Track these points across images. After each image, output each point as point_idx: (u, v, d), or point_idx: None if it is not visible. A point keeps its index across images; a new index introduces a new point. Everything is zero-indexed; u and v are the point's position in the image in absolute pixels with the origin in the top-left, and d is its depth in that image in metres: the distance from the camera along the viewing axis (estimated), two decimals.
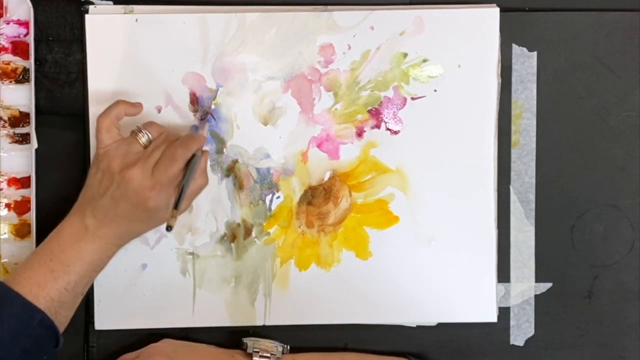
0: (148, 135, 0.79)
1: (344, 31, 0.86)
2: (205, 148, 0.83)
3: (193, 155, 0.80)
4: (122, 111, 0.81)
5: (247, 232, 0.87)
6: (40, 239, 0.83)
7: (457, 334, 0.89)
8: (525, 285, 0.89)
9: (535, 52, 0.88)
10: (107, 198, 0.77)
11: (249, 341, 0.85)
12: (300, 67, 0.86)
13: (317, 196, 0.87)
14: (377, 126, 0.87)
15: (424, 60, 0.86)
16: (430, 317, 0.88)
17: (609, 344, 0.89)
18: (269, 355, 0.84)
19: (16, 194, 0.86)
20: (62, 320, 0.78)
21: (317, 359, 0.86)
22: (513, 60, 0.88)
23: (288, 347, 0.86)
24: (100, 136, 0.80)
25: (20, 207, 0.86)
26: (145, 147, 0.79)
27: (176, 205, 0.78)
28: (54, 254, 0.77)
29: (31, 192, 0.85)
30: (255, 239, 0.87)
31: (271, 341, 0.85)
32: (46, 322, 0.75)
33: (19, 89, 0.86)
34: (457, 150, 0.87)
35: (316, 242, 0.87)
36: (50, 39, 0.86)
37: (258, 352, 0.84)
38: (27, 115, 0.86)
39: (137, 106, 0.83)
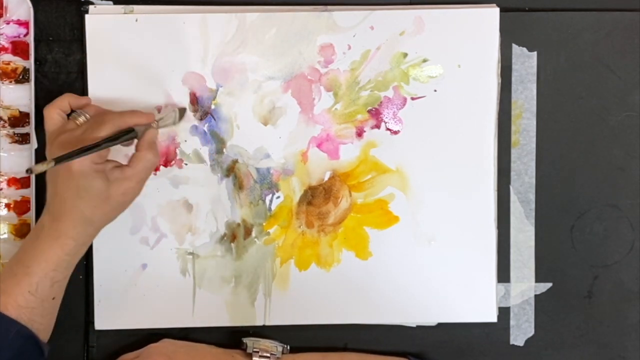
0: (86, 116, 0.78)
1: (344, 31, 0.86)
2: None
3: (131, 130, 0.77)
4: (67, 102, 0.80)
5: (247, 232, 0.87)
6: None
7: (457, 334, 0.89)
8: (525, 285, 0.89)
9: (535, 52, 0.88)
10: (50, 184, 0.76)
11: (249, 341, 0.85)
12: (300, 67, 0.86)
13: (317, 196, 0.87)
14: (377, 126, 0.87)
15: (424, 60, 0.86)
16: (430, 317, 0.88)
17: (609, 344, 0.89)
18: (269, 355, 0.84)
19: (16, 194, 0.86)
20: (39, 327, 0.76)
21: (317, 358, 0.86)
22: (513, 60, 0.88)
23: (288, 347, 0.86)
24: (46, 126, 0.79)
25: (20, 207, 0.86)
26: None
27: (60, 158, 0.71)
28: (18, 257, 0.76)
29: (31, 192, 0.85)
30: (255, 239, 0.87)
31: (271, 341, 0.85)
32: (24, 332, 0.74)
33: (19, 89, 0.86)
34: (457, 150, 0.87)
35: (316, 242, 0.87)
36: (50, 39, 0.86)
37: (258, 352, 0.84)
38: (27, 115, 0.86)
39: (83, 99, 0.82)
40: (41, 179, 0.86)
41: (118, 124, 0.77)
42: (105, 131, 0.75)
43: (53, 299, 0.77)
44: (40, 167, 0.70)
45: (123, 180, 0.76)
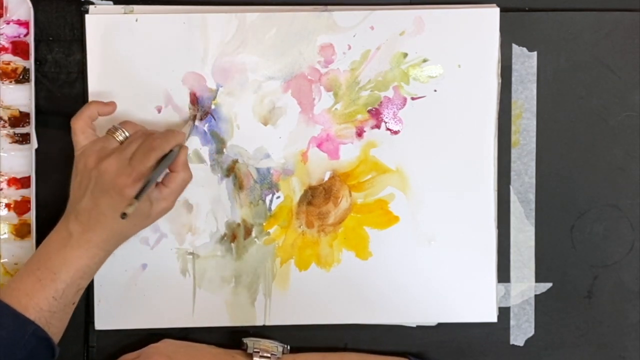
0: (124, 133, 0.79)
1: (344, 31, 0.86)
2: (185, 144, 0.82)
3: (170, 151, 0.79)
4: (95, 111, 0.81)
5: (247, 232, 0.87)
6: (40, 239, 0.83)
7: (457, 334, 0.89)
8: (525, 285, 0.89)
9: (535, 52, 0.88)
10: (87, 197, 0.76)
11: (249, 341, 0.85)
12: (300, 67, 0.86)
13: (317, 196, 0.87)
14: (377, 126, 0.87)
15: (424, 60, 0.86)
16: (430, 317, 0.88)
17: (609, 344, 0.89)
18: (269, 355, 0.84)
19: (16, 194, 0.86)
20: (54, 330, 0.77)
21: (317, 359, 0.86)
22: (513, 60, 0.88)
23: (288, 347, 0.86)
24: (76, 138, 0.79)
25: (20, 207, 0.86)
26: (122, 143, 0.79)
27: (137, 195, 0.74)
28: (42, 262, 0.76)
29: (31, 192, 0.85)
30: (255, 239, 0.87)
31: (271, 341, 0.85)
32: (39, 334, 0.75)
33: (19, 89, 0.86)
34: (457, 150, 0.87)
35: (316, 242, 0.87)
36: (50, 39, 0.86)
37: (258, 352, 0.84)
38: (27, 115, 0.86)
39: (110, 105, 0.82)
40: (42, 178, 0.86)
41: (163, 149, 0.77)
42: (154, 158, 0.76)
43: (73, 303, 0.78)
44: (130, 209, 0.72)
45: (162, 200, 0.78)
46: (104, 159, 0.76)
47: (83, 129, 0.79)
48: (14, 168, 0.86)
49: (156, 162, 0.77)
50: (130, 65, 0.85)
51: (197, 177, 0.86)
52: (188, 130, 0.84)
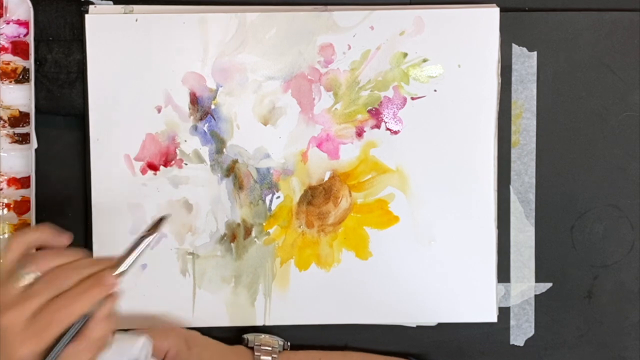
0: (31, 275, 0.65)
1: (344, 31, 0.86)
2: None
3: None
4: (41, 240, 0.69)
5: (247, 232, 0.87)
6: None
7: (457, 334, 0.89)
8: (525, 285, 0.89)
9: (535, 52, 0.88)
10: None
11: (250, 336, 0.85)
12: (300, 67, 0.86)
13: (317, 196, 0.87)
14: (377, 126, 0.87)
15: (424, 60, 0.86)
16: (430, 317, 0.88)
17: (609, 344, 0.89)
18: (269, 348, 0.84)
19: (16, 194, 0.86)
20: None
21: (318, 356, 0.86)
22: (513, 60, 0.88)
23: (289, 343, 0.86)
24: (3, 254, 0.67)
25: (20, 207, 0.86)
26: (31, 284, 0.65)
27: None
28: None
29: (31, 192, 0.85)
30: (255, 239, 0.87)
31: (271, 336, 0.86)
32: None
33: (19, 89, 0.86)
34: (457, 150, 0.87)
35: (316, 242, 0.87)
36: (50, 39, 0.86)
37: (259, 345, 0.84)
38: (27, 115, 0.86)
39: (61, 239, 0.70)
40: (42, 178, 0.86)
41: (70, 316, 0.63)
42: (58, 330, 0.63)
43: None
44: None
45: (73, 356, 0.64)
46: (3, 312, 0.63)
47: (14, 251, 0.67)
48: (14, 168, 0.86)
49: (65, 328, 0.63)
50: (130, 65, 0.85)
51: (198, 177, 0.86)
52: (131, 259, 0.70)
